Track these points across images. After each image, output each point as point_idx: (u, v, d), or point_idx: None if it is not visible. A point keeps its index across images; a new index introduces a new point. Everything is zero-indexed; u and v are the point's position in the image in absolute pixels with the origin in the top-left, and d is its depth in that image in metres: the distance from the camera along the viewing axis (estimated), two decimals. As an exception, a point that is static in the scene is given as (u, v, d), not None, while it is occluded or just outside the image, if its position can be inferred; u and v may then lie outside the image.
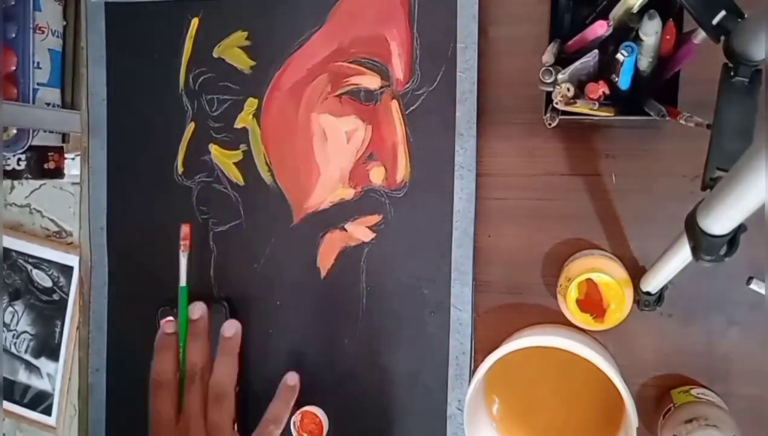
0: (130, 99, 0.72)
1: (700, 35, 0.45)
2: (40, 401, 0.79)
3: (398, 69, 0.64)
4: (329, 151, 0.66)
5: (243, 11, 0.68)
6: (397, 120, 0.64)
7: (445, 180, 0.63)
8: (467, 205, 0.63)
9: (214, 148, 0.69)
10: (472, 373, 0.63)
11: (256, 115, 0.68)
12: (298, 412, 0.66)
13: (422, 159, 0.64)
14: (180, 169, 0.70)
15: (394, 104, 0.64)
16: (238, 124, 0.68)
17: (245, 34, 0.68)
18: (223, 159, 0.69)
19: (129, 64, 0.72)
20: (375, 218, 0.65)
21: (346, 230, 0.66)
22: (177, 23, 0.70)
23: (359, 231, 0.65)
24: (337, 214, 0.66)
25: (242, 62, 0.68)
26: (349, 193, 0.66)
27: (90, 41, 0.73)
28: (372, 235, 0.65)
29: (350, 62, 0.65)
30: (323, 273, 0.67)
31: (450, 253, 0.63)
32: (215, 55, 0.69)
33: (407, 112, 0.64)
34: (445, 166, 0.63)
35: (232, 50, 0.69)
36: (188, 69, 0.70)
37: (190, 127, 0.70)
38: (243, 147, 0.68)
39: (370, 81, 0.65)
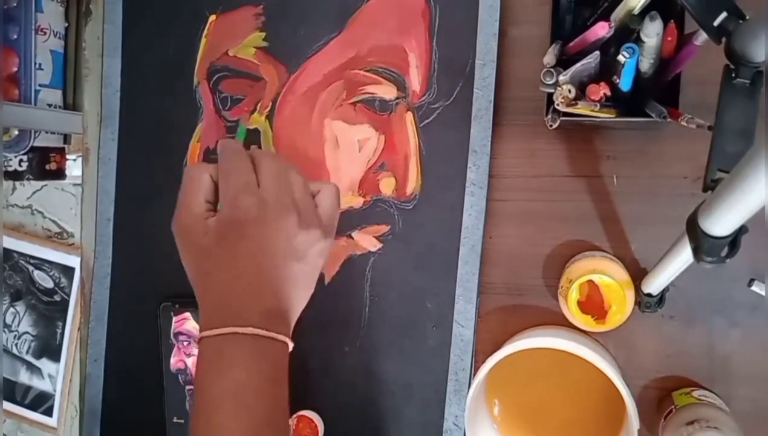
0: (143, 91, 0.72)
1: (702, 37, 0.45)
2: (42, 402, 0.79)
3: (415, 81, 0.64)
4: (340, 158, 0.66)
5: (262, 12, 0.68)
6: (411, 132, 0.64)
7: (456, 196, 0.63)
8: (476, 222, 0.62)
9: None
10: (471, 381, 0.63)
11: (269, 116, 0.68)
12: (294, 416, 0.65)
13: (434, 173, 0.63)
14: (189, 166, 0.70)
15: (409, 116, 0.64)
16: (251, 125, 0.68)
17: (262, 35, 0.68)
18: (232, 158, 0.69)
19: (144, 57, 0.72)
20: (382, 229, 0.65)
21: (352, 238, 0.66)
22: (194, 19, 0.70)
23: (366, 240, 0.65)
24: (345, 222, 0.66)
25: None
26: (357, 202, 0.66)
27: (106, 30, 0.73)
28: (378, 245, 0.65)
29: (367, 71, 0.65)
30: (327, 279, 0.66)
31: (456, 269, 0.63)
32: (231, 53, 0.69)
33: (421, 125, 0.64)
34: (457, 182, 0.62)
35: (249, 50, 0.69)
36: (203, 66, 0.70)
37: (202, 123, 0.70)
38: (254, 148, 0.68)
39: (386, 91, 0.65)
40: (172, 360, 0.70)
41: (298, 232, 0.45)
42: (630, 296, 0.56)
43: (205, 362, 0.42)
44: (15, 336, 0.80)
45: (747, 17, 0.38)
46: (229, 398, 0.41)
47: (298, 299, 0.47)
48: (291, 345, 0.46)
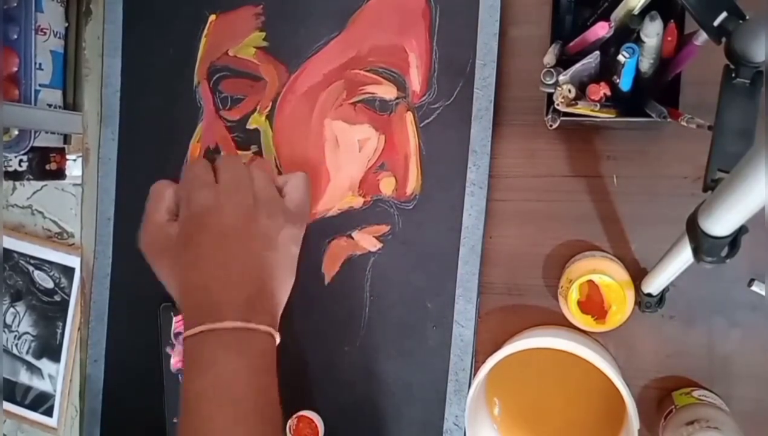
0: (143, 91, 0.72)
1: (702, 37, 0.45)
2: (42, 402, 0.79)
3: (415, 81, 0.64)
4: (340, 159, 0.66)
5: (262, 12, 0.68)
6: (411, 132, 0.64)
7: (456, 196, 0.62)
8: (476, 222, 0.62)
9: (225, 148, 0.69)
10: (472, 380, 0.63)
11: (269, 116, 0.68)
12: (294, 416, 0.65)
13: (434, 173, 0.63)
14: None
15: (409, 116, 0.64)
16: (251, 125, 0.68)
17: (263, 35, 0.68)
18: (234, 158, 0.69)
19: (144, 57, 0.72)
20: (382, 229, 0.65)
21: (352, 238, 0.66)
22: (194, 19, 0.70)
23: (366, 240, 0.65)
24: (345, 222, 0.66)
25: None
26: (357, 202, 0.65)
27: (106, 30, 0.73)
28: (378, 245, 0.65)
29: (367, 71, 0.65)
30: (327, 279, 0.66)
31: (456, 269, 0.63)
32: (231, 53, 0.69)
33: (422, 125, 0.63)
34: (457, 182, 0.62)
35: (249, 50, 0.69)
36: (203, 65, 0.70)
37: (202, 123, 0.70)
38: (254, 148, 0.68)
39: (386, 91, 0.64)
40: (172, 360, 0.70)
41: (258, 218, 0.45)
42: (630, 296, 0.56)
43: (189, 360, 0.42)
44: (15, 336, 0.80)
45: (747, 17, 0.38)
46: (213, 391, 0.41)
47: (278, 288, 0.46)
48: (277, 336, 0.45)
